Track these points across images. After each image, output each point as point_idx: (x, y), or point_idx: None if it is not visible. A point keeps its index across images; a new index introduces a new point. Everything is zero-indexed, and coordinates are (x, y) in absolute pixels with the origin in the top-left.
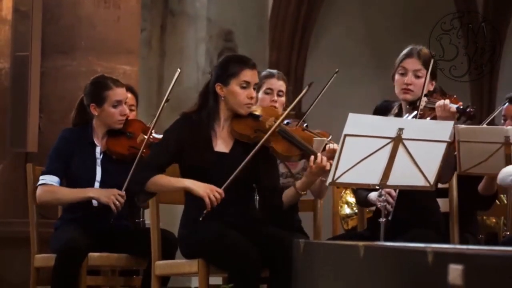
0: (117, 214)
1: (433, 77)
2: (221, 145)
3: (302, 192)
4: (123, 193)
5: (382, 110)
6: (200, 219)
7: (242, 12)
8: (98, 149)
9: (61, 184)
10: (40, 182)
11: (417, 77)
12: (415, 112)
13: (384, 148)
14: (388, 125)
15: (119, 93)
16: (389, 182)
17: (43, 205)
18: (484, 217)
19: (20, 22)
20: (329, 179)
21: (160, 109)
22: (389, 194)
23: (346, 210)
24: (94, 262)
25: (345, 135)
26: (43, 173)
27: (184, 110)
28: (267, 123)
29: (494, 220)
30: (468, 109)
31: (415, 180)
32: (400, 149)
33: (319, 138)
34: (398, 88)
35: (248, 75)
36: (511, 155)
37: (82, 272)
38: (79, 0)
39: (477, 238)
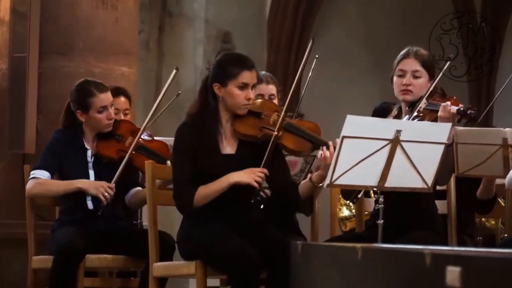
0: (105, 207)
1: (431, 76)
2: (227, 147)
3: (319, 185)
4: (112, 185)
5: (381, 112)
6: (258, 198)
7: (240, 13)
8: (89, 152)
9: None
10: (30, 176)
11: (416, 77)
12: (414, 114)
13: (382, 150)
14: (386, 126)
15: (103, 98)
16: (387, 184)
17: (33, 197)
18: (483, 219)
19: (18, 23)
20: (327, 181)
21: (153, 108)
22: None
23: (345, 212)
24: (91, 264)
25: (343, 137)
26: (34, 169)
27: (186, 110)
28: (270, 119)
29: (493, 222)
30: (469, 111)
31: (413, 182)
32: (398, 151)
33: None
34: (397, 90)
35: (247, 76)
36: (509, 157)
37: (79, 273)
38: (77, 1)
39: (475, 240)
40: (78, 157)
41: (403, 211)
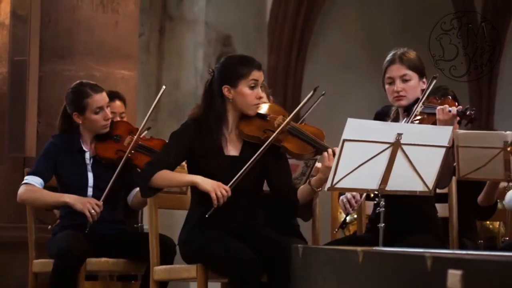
0: (92, 224)
1: (422, 75)
2: (231, 148)
3: (318, 189)
4: (100, 202)
5: (383, 115)
6: (206, 216)
7: (241, 16)
8: (87, 155)
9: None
10: (23, 181)
11: (405, 81)
12: (412, 118)
13: (383, 153)
14: (387, 130)
15: (99, 99)
16: (387, 187)
17: (23, 203)
18: (484, 222)
19: (18, 26)
20: (328, 184)
21: (148, 114)
22: (354, 197)
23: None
24: (92, 267)
25: (344, 140)
26: (28, 174)
27: (189, 113)
28: (275, 122)
29: (496, 225)
30: (468, 112)
31: (414, 185)
32: (399, 154)
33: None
34: (391, 97)
35: (256, 75)
36: (510, 160)
37: (80, 277)
38: (77, 4)
39: (476, 243)
40: (76, 160)
41: (402, 215)
